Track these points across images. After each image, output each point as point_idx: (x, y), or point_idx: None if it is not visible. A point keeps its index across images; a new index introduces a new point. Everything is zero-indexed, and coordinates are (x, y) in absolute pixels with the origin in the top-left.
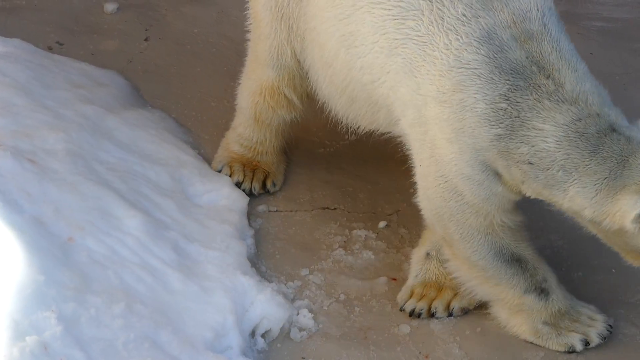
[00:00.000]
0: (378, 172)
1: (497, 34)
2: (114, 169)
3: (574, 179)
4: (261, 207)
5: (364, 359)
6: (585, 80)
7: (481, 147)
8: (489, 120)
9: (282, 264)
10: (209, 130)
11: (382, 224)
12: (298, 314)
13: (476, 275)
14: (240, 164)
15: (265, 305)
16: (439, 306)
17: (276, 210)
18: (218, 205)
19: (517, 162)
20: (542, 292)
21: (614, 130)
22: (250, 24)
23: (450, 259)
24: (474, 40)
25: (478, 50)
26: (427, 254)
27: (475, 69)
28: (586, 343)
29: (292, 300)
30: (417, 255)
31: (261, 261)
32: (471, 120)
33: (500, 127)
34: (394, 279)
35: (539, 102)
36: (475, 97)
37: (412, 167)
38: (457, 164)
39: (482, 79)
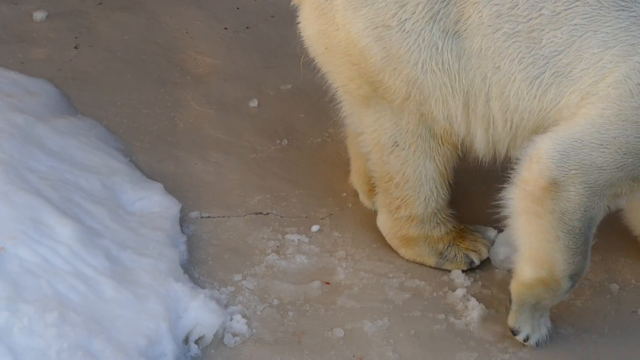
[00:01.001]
0: (310, 177)
1: None
2: (45, 178)
3: None
4: (193, 214)
5: None
6: None
7: None
8: None
9: (215, 270)
10: (141, 138)
11: (315, 228)
12: (231, 319)
13: (553, 234)
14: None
15: (199, 312)
16: None
17: (208, 216)
18: (150, 212)
19: None
20: (576, 282)
21: None
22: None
23: (531, 203)
24: None
25: None
26: None
27: None
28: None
29: (226, 306)
30: None
31: (194, 267)
32: None
33: None
34: (328, 283)
35: None
36: None
37: (346, 170)
38: None
39: None
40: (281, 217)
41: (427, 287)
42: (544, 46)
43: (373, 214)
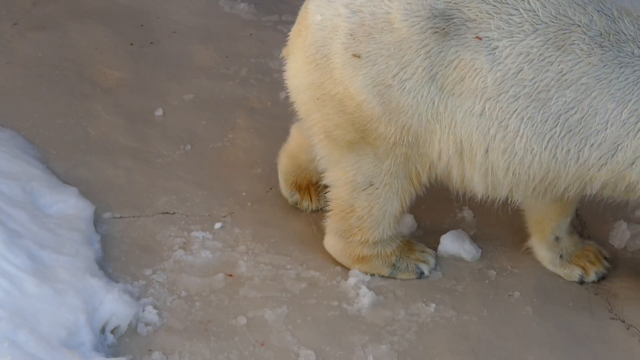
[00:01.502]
0: (212, 179)
1: None
2: None
3: None
4: (106, 215)
5: (205, 349)
6: None
7: None
8: None
9: (128, 266)
10: (56, 146)
11: (217, 225)
12: (144, 310)
13: None
14: None
15: (114, 304)
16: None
17: (120, 217)
18: (67, 214)
19: None
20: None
21: None
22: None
23: None
24: None
25: None
26: (556, 237)
27: None
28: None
29: (138, 298)
30: (543, 246)
31: (108, 264)
32: None
33: None
34: (230, 275)
35: None
36: None
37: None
38: None
39: None
40: (186, 216)
41: (322, 277)
42: (553, 105)
43: (270, 211)
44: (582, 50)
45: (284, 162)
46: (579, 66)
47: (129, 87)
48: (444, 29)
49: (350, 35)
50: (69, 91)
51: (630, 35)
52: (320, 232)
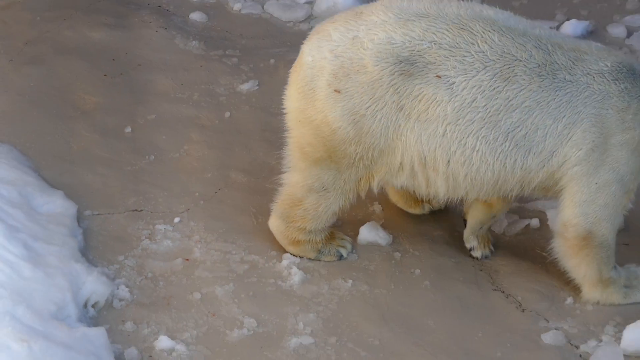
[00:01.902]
0: (171, 182)
1: None
2: None
3: None
4: (87, 212)
5: (167, 319)
6: None
7: None
8: None
9: (104, 253)
10: (46, 158)
11: (176, 219)
12: (118, 289)
13: (596, 257)
14: None
15: (93, 284)
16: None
17: (98, 214)
18: (55, 213)
19: None
20: (615, 267)
21: None
22: None
23: (575, 248)
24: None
25: None
26: (481, 228)
27: None
28: None
29: (113, 279)
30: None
31: (89, 252)
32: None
33: None
34: (187, 260)
35: None
36: None
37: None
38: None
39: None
40: (151, 212)
41: (261, 260)
42: (500, 128)
43: (219, 208)
44: (524, 79)
45: (393, 196)
46: (522, 93)
47: (104, 110)
48: (409, 71)
49: (333, 74)
50: (55, 114)
51: (562, 64)
52: (260, 225)
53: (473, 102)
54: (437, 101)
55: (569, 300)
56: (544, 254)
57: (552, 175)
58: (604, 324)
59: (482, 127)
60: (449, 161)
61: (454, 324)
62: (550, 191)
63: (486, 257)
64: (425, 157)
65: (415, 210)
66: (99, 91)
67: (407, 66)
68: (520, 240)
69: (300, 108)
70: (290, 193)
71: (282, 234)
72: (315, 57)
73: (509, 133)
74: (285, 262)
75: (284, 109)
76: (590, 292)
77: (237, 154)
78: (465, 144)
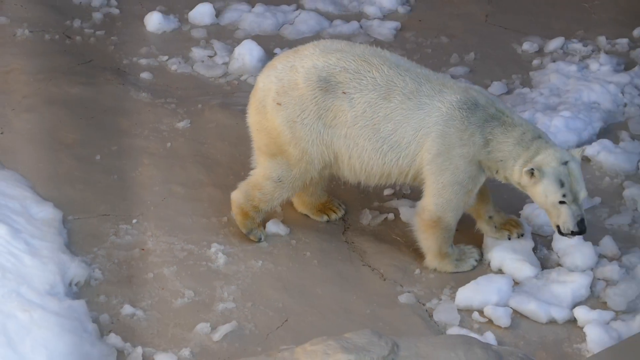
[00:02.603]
0: (130, 194)
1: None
2: None
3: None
4: (70, 217)
5: (130, 293)
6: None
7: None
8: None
9: (83, 246)
10: (39, 179)
11: (134, 220)
12: (93, 272)
13: (440, 235)
14: None
15: (76, 269)
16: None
17: (78, 218)
18: (47, 218)
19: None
20: (451, 245)
21: (539, 137)
22: None
23: (430, 229)
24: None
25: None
26: (489, 217)
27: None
28: (476, 261)
29: (90, 265)
30: (484, 224)
31: (72, 246)
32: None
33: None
34: (143, 249)
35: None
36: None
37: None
38: (469, 170)
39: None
40: (116, 216)
41: (196, 248)
42: (382, 132)
43: (165, 211)
44: (398, 100)
45: (302, 207)
46: (396, 110)
47: (80, 144)
48: (326, 87)
49: (276, 92)
50: (46, 147)
51: (427, 93)
52: (194, 223)
53: (364, 112)
54: (342, 110)
55: (417, 271)
56: (398, 238)
57: (418, 171)
58: (442, 287)
59: (369, 132)
60: (350, 156)
61: (335, 290)
62: (422, 182)
63: (521, 235)
64: (336, 154)
65: (316, 217)
66: (76, 130)
67: (325, 84)
68: (381, 229)
69: (257, 120)
70: (255, 179)
71: (238, 205)
72: (265, 82)
73: (386, 138)
74: (213, 249)
75: (247, 126)
76: (431, 260)
77: (177, 173)
78: (358, 144)
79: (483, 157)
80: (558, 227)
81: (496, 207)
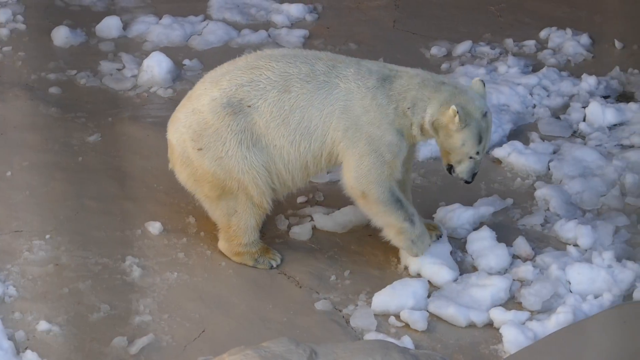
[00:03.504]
0: (43, 209)
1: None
2: None
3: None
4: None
5: (45, 309)
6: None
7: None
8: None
9: None
10: None
11: (47, 236)
12: (7, 288)
13: (379, 210)
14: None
15: None
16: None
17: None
18: None
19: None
20: (412, 222)
21: (444, 82)
22: None
23: (364, 206)
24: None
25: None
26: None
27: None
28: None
29: (4, 282)
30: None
31: None
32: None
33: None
34: (57, 264)
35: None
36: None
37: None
38: (383, 136)
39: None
40: (29, 232)
41: (110, 261)
42: (291, 124)
43: (75, 226)
44: (297, 87)
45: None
46: (298, 97)
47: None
48: (232, 110)
49: (192, 140)
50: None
51: (322, 71)
52: (107, 237)
53: (271, 114)
54: (255, 123)
55: (333, 277)
56: (313, 245)
57: (330, 152)
58: (358, 293)
59: (281, 130)
60: (274, 162)
61: (251, 299)
62: (340, 162)
63: (439, 237)
64: (266, 169)
65: None
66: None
67: (230, 108)
68: (295, 236)
69: (189, 173)
70: (221, 223)
71: (228, 250)
72: (177, 137)
73: (296, 128)
74: (128, 262)
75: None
76: (387, 233)
77: (89, 187)
78: (276, 145)
79: (392, 117)
80: (450, 167)
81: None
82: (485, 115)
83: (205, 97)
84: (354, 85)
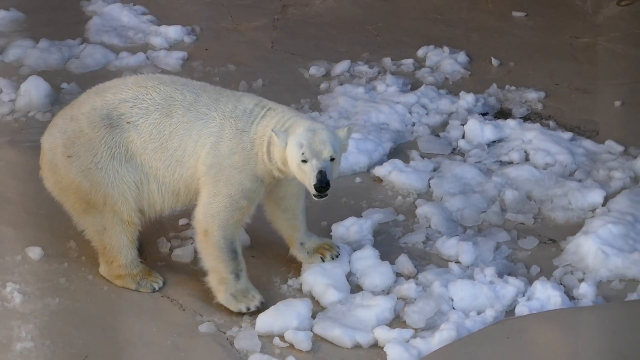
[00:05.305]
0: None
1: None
2: None
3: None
4: None
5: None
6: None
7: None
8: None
9: None
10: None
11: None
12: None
13: (213, 253)
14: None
15: None
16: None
17: None
18: None
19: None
20: (237, 276)
21: (296, 116)
22: None
23: (201, 243)
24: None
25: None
26: (301, 243)
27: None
28: (247, 309)
29: None
30: (296, 252)
31: None
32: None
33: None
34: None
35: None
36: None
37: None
38: (242, 182)
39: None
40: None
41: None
42: (169, 149)
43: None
44: (180, 114)
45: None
46: (179, 124)
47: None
48: (110, 123)
49: (64, 146)
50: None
51: (205, 103)
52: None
53: (150, 135)
54: (131, 141)
55: (216, 299)
56: (195, 268)
57: (196, 182)
58: (242, 315)
59: (159, 153)
60: (148, 183)
61: (134, 323)
62: (195, 196)
63: (336, 257)
64: (137, 187)
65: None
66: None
67: (108, 121)
68: (177, 259)
69: (55, 180)
70: (95, 244)
71: (109, 274)
72: (50, 141)
73: (173, 154)
74: (8, 289)
75: (37, 163)
76: (210, 280)
77: None
78: (152, 166)
79: (254, 162)
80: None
81: (308, 232)
82: (312, 131)
83: (86, 105)
84: (227, 124)
